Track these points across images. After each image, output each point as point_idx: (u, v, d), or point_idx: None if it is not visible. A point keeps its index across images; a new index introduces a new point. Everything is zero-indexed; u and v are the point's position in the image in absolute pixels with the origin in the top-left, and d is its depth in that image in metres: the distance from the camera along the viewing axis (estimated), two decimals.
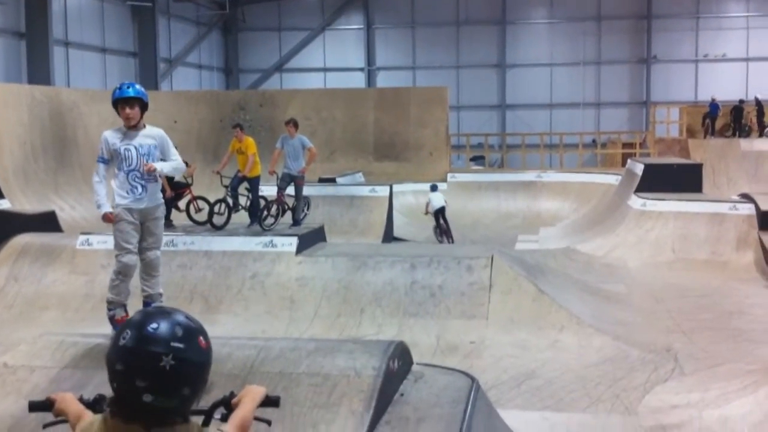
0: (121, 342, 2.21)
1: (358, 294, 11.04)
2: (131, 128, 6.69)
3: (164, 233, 12.64)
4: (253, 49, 44.43)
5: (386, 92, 29.24)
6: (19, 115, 20.81)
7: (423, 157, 25.99)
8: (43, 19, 27.42)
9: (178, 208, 14.67)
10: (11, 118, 20.48)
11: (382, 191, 19.73)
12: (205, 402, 2.73)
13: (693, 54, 41.12)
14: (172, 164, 6.92)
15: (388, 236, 19.10)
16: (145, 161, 6.66)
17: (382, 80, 43.08)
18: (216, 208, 13.52)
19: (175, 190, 14.48)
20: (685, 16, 40.88)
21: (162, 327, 2.22)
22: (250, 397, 2.68)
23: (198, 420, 2.55)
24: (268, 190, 14.60)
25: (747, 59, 40.45)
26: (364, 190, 20.11)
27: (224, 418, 2.64)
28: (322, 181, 21.15)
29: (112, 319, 6.80)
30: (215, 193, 17.96)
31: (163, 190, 14.15)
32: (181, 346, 2.21)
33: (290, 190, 13.46)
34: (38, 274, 12.19)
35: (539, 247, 18.36)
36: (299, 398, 5.40)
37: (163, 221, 7.08)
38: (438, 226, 21.26)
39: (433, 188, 21.81)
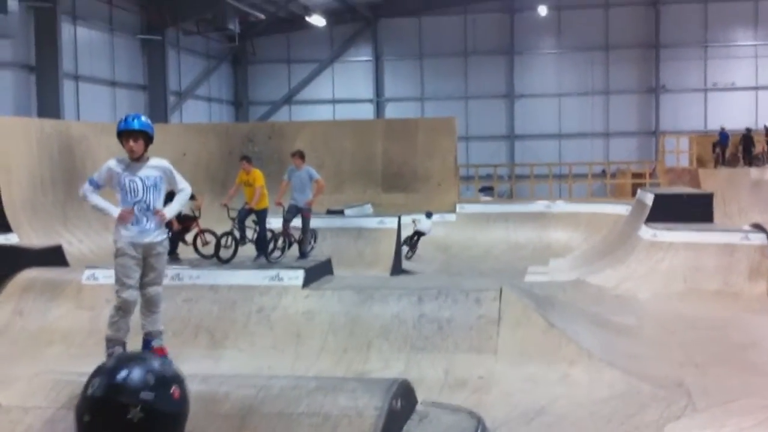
0: (89, 391, 2.07)
1: (365, 328, 10.89)
2: (135, 161, 6.65)
3: (170, 267, 12.62)
4: (262, 81, 44.67)
5: (394, 123, 29.28)
6: (28, 148, 20.90)
7: (431, 187, 25.92)
8: (53, 52, 27.63)
9: (185, 242, 14.61)
10: (21, 151, 20.56)
11: (391, 222, 19.63)
12: None
13: (702, 83, 41.10)
14: (180, 201, 6.90)
15: (397, 268, 18.97)
16: (152, 193, 6.63)
17: (391, 111, 43.20)
18: (223, 242, 13.44)
19: (182, 223, 14.42)
20: (694, 45, 40.91)
21: (132, 375, 2.08)
22: None
23: None
24: (275, 223, 14.54)
25: (756, 88, 40.41)
26: (373, 222, 20.02)
27: None
28: (330, 212, 21.09)
29: (110, 357, 6.70)
30: (224, 226, 17.90)
31: (170, 224, 14.25)
32: (150, 396, 2.07)
33: (297, 222, 13.37)
34: (43, 309, 12.10)
35: (549, 279, 18.17)
36: None
37: (166, 256, 6.99)
38: (411, 240, 21.90)
39: (428, 215, 22.49)
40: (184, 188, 6.92)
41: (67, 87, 29.08)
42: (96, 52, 31.81)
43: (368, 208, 23.59)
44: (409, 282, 13.12)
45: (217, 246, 13.35)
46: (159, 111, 35.11)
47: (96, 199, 6.59)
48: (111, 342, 6.67)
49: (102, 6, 31.52)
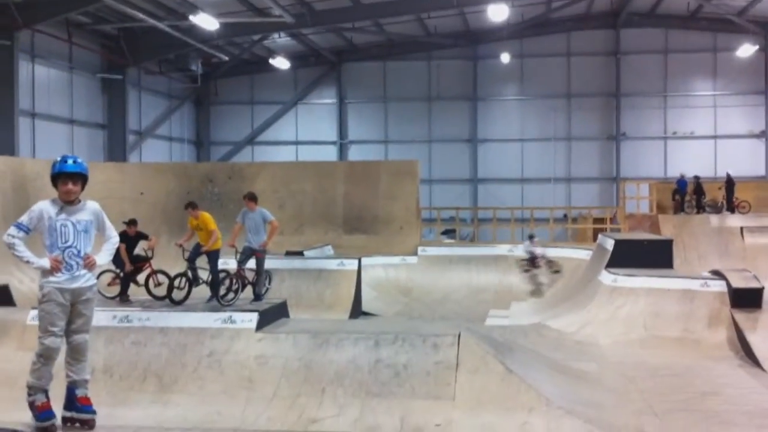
0: None
1: (319, 373, 10.57)
2: (68, 203, 6.34)
3: (120, 308, 12.22)
4: (225, 121, 44.47)
5: (356, 165, 29.14)
6: None
7: (393, 230, 25.75)
8: (9, 89, 27.20)
9: (136, 283, 14.21)
10: None
11: (351, 264, 19.40)
12: None
13: (662, 131, 41.70)
14: (109, 250, 6.63)
15: (357, 311, 18.70)
16: (82, 238, 6.34)
17: (355, 154, 43.17)
18: (176, 283, 13.07)
19: (135, 263, 14.06)
20: (653, 95, 41.57)
21: None
22: None
23: None
24: (232, 264, 14.21)
25: (715, 137, 41.07)
26: (332, 264, 19.77)
27: None
28: (289, 254, 20.77)
29: (32, 405, 6.32)
30: (179, 267, 17.49)
31: (122, 264, 13.89)
32: None
33: (252, 263, 13.07)
34: None
35: (510, 323, 17.99)
36: None
37: (94, 303, 6.66)
38: (528, 264, 22.05)
39: (530, 238, 23.17)
40: (112, 236, 6.66)
41: (23, 124, 28.59)
42: (54, 90, 31.39)
43: (329, 250, 23.33)
44: (367, 326, 12.84)
45: (170, 287, 12.98)
46: (118, 150, 34.67)
47: (24, 251, 6.22)
48: (33, 389, 6.31)
49: (61, 45, 31.15)
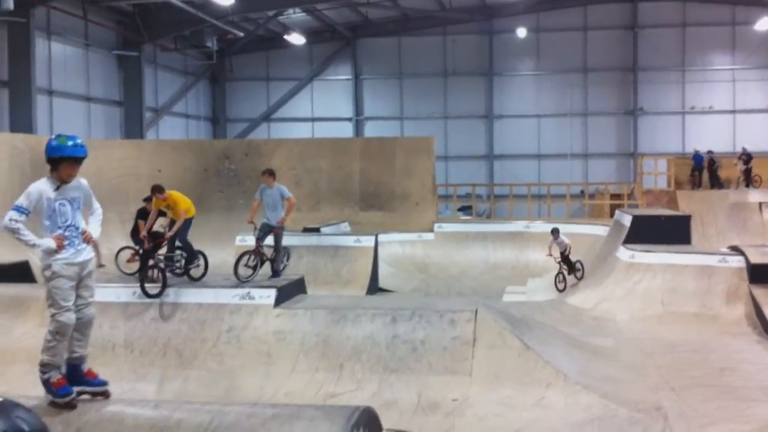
0: None
1: (337, 348, 10.65)
2: (63, 183, 6.37)
3: (139, 285, 12.31)
4: (240, 98, 44.45)
5: (372, 142, 29.10)
6: None
7: (409, 206, 25.75)
8: (26, 67, 27.28)
9: (155, 259, 14.31)
10: None
11: (367, 241, 19.45)
12: None
13: (680, 106, 41.32)
14: (98, 222, 6.67)
15: (373, 287, 18.77)
16: (78, 214, 6.40)
17: (370, 130, 43.08)
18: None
19: (153, 240, 14.15)
20: (672, 69, 41.16)
21: (38, 422, 1.81)
22: None
23: None
24: (250, 240, 14.29)
25: (733, 111, 40.66)
26: (349, 240, 19.83)
27: None
28: (306, 230, 20.84)
29: (47, 383, 6.36)
30: (198, 243, 17.58)
31: (141, 241, 13.99)
32: None
33: (270, 240, 13.12)
34: (7, 326, 11.78)
35: (527, 299, 18.03)
36: None
37: (95, 274, 6.72)
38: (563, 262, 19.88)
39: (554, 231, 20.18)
40: (98, 208, 6.68)
41: (41, 102, 28.69)
42: (71, 68, 31.45)
43: (345, 227, 23.38)
44: (384, 302, 12.89)
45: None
46: (135, 127, 34.76)
47: (28, 235, 6.23)
48: (48, 367, 6.35)
49: (77, 22, 31.18)
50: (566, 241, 19.63)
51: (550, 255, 19.63)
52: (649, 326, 14.36)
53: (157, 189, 13.69)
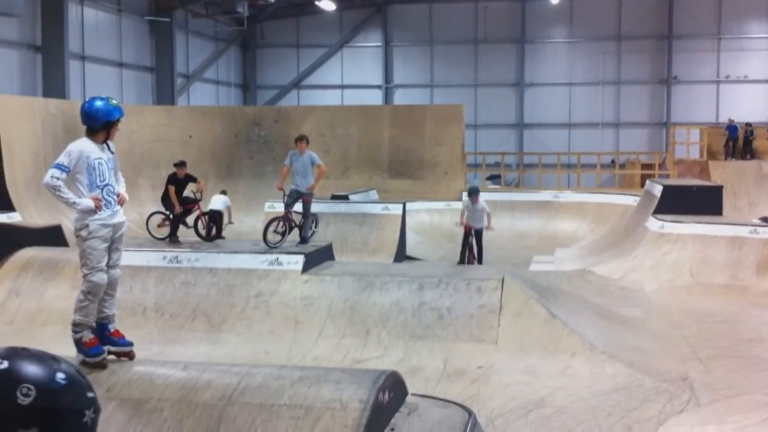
0: (29, 398, 1.79)
1: (363, 315, 10.73)
2: (100, 144, 6.47)
3: (169, 249, 12.48)
4: (271, 65, 44.44)
5: (401, 109, 29.02)
6: (32, 127, 20.78)
7: (438, 175, 25.70)
8: (59, 32, 27.46)
9: (186, 224, 14.49)
10: (25, 130, 20.45)
11: (395, 209, 19.44)
12: None
13: (714, 75, 40.68)
14: (124, 186, 6.78)
15: (401, 255, 18.80)
16: (113, 176, 6.51)
17: (400, 98, 42.92)
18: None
19: (184, 205, 14.31)
20: (707, 37, 40.47)
21: (75, 372, 1.86)
22: None
23: None
24: (279, 206, 14.38)
25: None
26: (377, 208, 19.84)
27: None
28: (334, 198, 20.90)
29: (79, 343, 6.48)
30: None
31: (172, 206, 14.16)
32: (95, 395, 1.86)
33: (298, 206, 13.19)
34: (40, 289, 11.98)
35: (554, 269, 17.97)
36: None
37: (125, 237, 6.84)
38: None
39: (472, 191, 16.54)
40: (121, 174, 6.80)
41: (73, 67, 28.91)
42: (103, 33, 31.62)
43: (373, 194, 23.40)
44: (411, 269, 12.92)
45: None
46: (166, 93, 34.94)
47: (68, 193, 6.33)
48: (79, 326, 6.47)
49: None
50: (487, 209, 15.15)
51: (462, 224, 15.40)
52: (678, 297, 14.29)
53: (180, 164, 14.15)
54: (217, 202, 16.92)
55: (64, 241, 14.82)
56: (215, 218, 15.54)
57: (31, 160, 20.26)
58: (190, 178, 14.51)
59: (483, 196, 25.08)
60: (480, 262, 15.73)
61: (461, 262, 15.79)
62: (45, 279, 12.11)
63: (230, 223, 17.15)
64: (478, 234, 15.62)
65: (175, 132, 25.87)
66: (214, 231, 15.08)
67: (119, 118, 6.54)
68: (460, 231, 16.72)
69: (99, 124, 6.43)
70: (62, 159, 6.32)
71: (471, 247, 15.83)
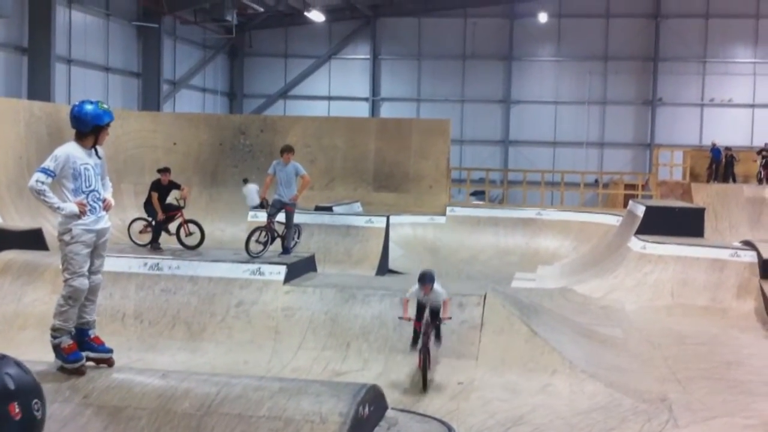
0: None
1: (345, 327, 10.70)
2: (89, 148, 6.42)
3: (151, 256, 12.39)
4: (258, 74, 44.42)
5: (388, 122, 29.08)
6: (16, 129, 20.64)
7: (423, 189, 25.73)
8: (46, 34, 27.32)
9: (168, 231, 14.41)
10: (8, 132, 20.32)
11: (379, 222, 19.45)
12: None
13: (699, 98, 41.04)
14: (110, 192, 6.72)
15: (383, 268, 18.78)
16: (99, 181, 6.47)
17: (387, 111, 43.00)
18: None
19: (167, 212, 14.24)
20: (692, 60, 40.85)
21: None
22: None
23: None
24: (262, 216, 14.34)
25: (753, 105, 40.36)
26: (361, 220, 19.84)
27: None
28: (318, 209, 20.87)
29: (57, 348, 6.42)
30: (211, 218, 17.71)
31: (154, 213, 14.09)
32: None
33: (281, 217, 13.15)
34: (19, 292, 11.85)
35: (536, 286, 18.00)
36: None
37: (108, 244, 6.78)
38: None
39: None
40: (108, 179, 6.76)
41: (59, 70, 28.75)
42: (90, 37, 31.49)
43: (357, 207, 23.38)
44: (394, 283, 12.91)
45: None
46: (152, 99, 34.82)
47: (53, 197, 6.28)
48: (59, 331, 6.41)
49: None
50: (445, 295, 9.87)
51: (406, 318, 9.82)
52: (658, 317, 14.35)
53: (164, 171, 14.48)
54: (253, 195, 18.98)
55: (45, 244, 14.71)
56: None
57: (13, 162, 20.12)
58: (174, 185, 14.45)
59: (466, 211, 25.35)
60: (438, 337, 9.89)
61: (414, 344, 9.90)
62: (24, 282, 11.99)
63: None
64: (435, 316, 9.84)
65: (160, 138, 25.77)
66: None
67: (109, 123, 6.49)
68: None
69: (88, 128, 6.39)
70: (48, 163, 6.27)
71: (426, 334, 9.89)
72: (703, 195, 25.97)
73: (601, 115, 41.84)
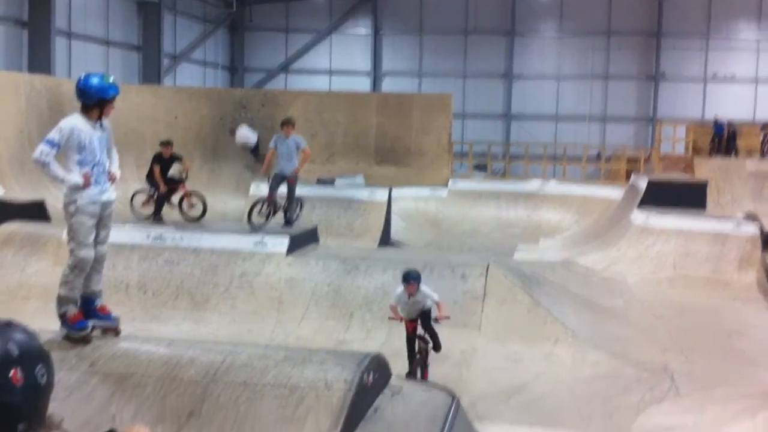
0: None
1: (348, 298, 10.74)
2: (94, 120, 6.40)
3: (154, 228, 12.42)
4: (259, 48, 44.20)
5: (389, 97, 28.93)
6: (17, 103, 20.57)
7: (424, 163, 25.66)
8: (46, 8, 27.17)
9: (170, 204, 14.42)
10: (9, 106, 20.25)
11: (381, 195, 19.43)
12: None
13: (702, 73, 40.84)
14: (117, 164, 6.70)
15: (386, 240, 18.79)
16: (105, 153, 6.45)
17: (388, 85, 42.83)
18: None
19: (169, 185, 14.24)
20: (696, 35, 40.61)
21: None
22: None
23: None
24: (264, 189, 14.33)
25: (756, 80, 40.17)
26: (363, 193, 19.82)
27: None
28: (320, 182, 20.84)
29: (63, 316, 6.44)
30: (213, 190, 17.70)
31: (156, 185, 14.09)
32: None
33: (283, 189, 13.14)
34: (22, 263, 11.91)
35: (538, 258, 18.01)
36: (262, 411, 5.02)
37: (114, 215, 6.78)
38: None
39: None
40: (115, 151, 6.73)
41: (59, 44, 28.62)
42: (90, 11, 31.32)
43: (360, 179, 23.35)
44: (396, 255, 12.95)
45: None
46: (152, 73, 34.68)
47: (57, 169, 6.26)
48: (64, 301, 6.42)
49: None
50: (434, 296, 8.92)
51: (397, 318, 9.08)
52: (660, 289, 14.38)
53: (166, 144, 14.50)
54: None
55: (47, 216, 14.73)
56: None
57: (14, 135, 20.07)
58: (175, 158, 14.44)
59: (468, 185, 25.34)
60: (437, 349, 8.99)
61: (411, 372, 8.79)
62: (27, 254, 12.04)
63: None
64: (426, 319, 8.94)
65: (161, 112, 25.67)
66: None
67: (114, 96, 6.45)
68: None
69: (92, 101, 6.36)
70: (53, 135, 6.25)
71: (421, 349, 9.03)
72: (706, 169, 25.86)
73: (603, 89, 41.67)
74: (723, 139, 30.46)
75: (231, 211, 20.72)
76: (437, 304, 8.78)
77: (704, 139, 31.21)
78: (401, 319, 8.91)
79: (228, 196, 22.01)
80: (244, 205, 16.70)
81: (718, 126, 30.93)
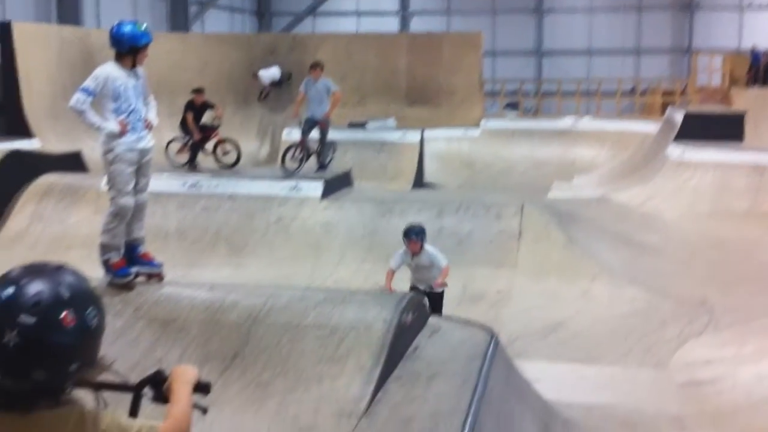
0: None
1: (383, 240, 10.80)
2: (129, 68, 6.44)
3: (191, 175, 12.54)
4: None
5: (419, 37, 28.60)
6: (48, 55, 20.67)
7: (456, 103, 25.44)
8: None
9: (204, 151, 14.52)
10: (40, 58, 20.35)
11: (413, 137, 19.40)
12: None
13: (738, 0, 39.77)
14: (155, 110, 6.74)
15: (419, 182, 18.81)
16: (141, 101, 6.50)
17: (417, 25, 42.27)
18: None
19: (203, 132, 14.32)
20: None
21: (19, 292, 1.83)
22: (183, 380, 2.21)
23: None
24: (296, 134, 14.36)
25: None
26: (395, 136, 19.79)
27: (155, 398, 2.26)
28: (352, 125, 20.80)
29: (106, 264, 6.57)
30: (246, 136, 17.75)
31: (190, 133, 14.18)
32: (30, 321, 1.82)
33: (315, 133, 13.16)
34: (63, 214, 12.12)
35: (573, 196, 17.91)
36: (304, 351, 5.13)
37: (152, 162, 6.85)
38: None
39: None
40: (152, 98, 6.77)
41: None
42: None
43: (391, 122, 23.26)
44: (430, 196, 12.97)
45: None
46: (180, 20, 34.53)
47: (93, 117, 6.34)
48: (107, 248, 6.54)
49: None
50: (442, 259, 8.19)
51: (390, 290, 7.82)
52: (698, 223, 14.25)
53: (198, 91, 14.68)
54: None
55: (84, 166, 14.91)
56: None
57: (48, 88, 20.20)
58: (208, 105, 14.49)
59: (500, 124, 25.15)
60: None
61: None
62: (67, 204, 12.23)
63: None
64: (435, 302, 7.82)
65: (191, 59, 25.64)
66: None
67: (146, 44, 6.48)
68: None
69: (124, 49, 6.40)
70: (88, 83, 6.31)
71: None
72: (743, 100, 25.39)
73: (637, 21, 40.79)
74: (760, 69, 29.84)
75: (264, 156, 20.82)
76: (443, 269, 7.88)
77: (741, 69, 30.58)
78: (392, 291, 7.52)
79: (261, 142, 22.08)
80: (278, 150, 16.76)
81: (755, 55, 30.27)
